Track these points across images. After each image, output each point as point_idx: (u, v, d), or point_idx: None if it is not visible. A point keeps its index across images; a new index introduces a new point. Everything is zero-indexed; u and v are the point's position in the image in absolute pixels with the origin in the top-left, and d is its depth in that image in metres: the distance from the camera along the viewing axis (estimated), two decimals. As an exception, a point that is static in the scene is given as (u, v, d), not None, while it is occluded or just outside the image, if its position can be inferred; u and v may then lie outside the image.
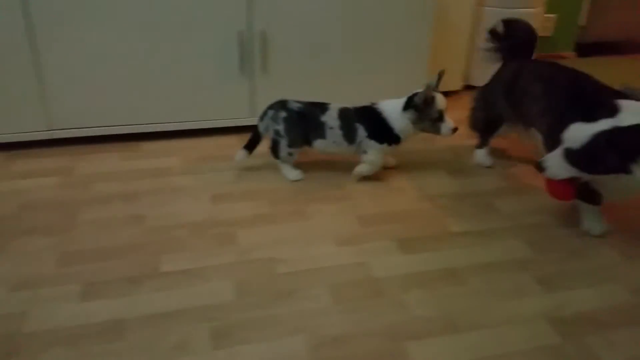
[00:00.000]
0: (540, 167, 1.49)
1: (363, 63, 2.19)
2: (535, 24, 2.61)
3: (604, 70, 3.03)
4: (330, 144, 1.85)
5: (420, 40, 2.20)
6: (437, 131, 1.78)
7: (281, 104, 1.85)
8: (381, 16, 2.12)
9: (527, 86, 1.75)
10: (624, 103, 1.42)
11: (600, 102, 1.46)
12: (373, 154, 1.84)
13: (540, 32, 3.03)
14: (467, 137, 2.20)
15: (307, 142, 1.86)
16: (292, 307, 1.34)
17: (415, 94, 1.77)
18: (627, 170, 1.35)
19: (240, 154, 1.90)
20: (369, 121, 1.82)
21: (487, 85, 1.98)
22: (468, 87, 2.72)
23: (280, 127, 1.83)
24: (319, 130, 1.83)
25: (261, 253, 1.53)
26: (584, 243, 1.60)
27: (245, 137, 1.91)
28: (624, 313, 1.34)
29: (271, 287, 1.41)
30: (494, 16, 2.51)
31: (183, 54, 2.03)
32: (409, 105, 1.78)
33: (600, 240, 1.61)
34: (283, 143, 1.85)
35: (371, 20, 2.12)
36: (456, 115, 2.41)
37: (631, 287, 1.43)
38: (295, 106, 1.84)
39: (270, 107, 1.87)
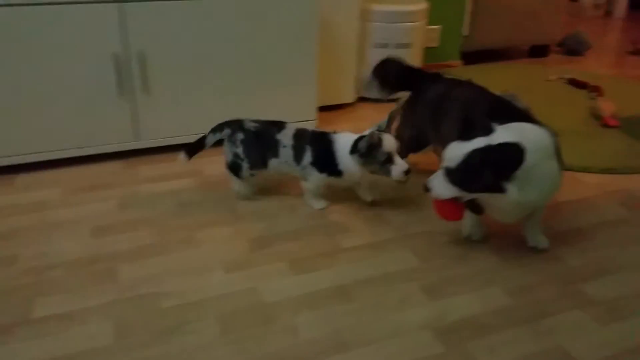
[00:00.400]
0: (425, 189, 1.51)
1: (250, 82, 2.17)
2: (420, 35, 2.71)
3: (487, 76, 3.22)
4: (282, 163, 1.81)
5: (307, 57, 2.20)
6: (387, 174, 1.71)
7: (238, 125, 1.80)
8: (265, 36, 2.11)
9: (448, 111, 1.76)
10: (500, 125, 1.45)
11: (477, 122, 1.48)
12: (311, 181, 1.81)
13: (427, 44, 3.16)
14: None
15: (265, 163, 1.82)
16: (177, 344, 1.28)
17: (360, 138, 1.70)
18: (501, 189, 1.41)
19: (182, 156, 1.85)
20: (318, 147, 1.77)
21: (414, 105, 1.94)
22: (362, 99, 2.77)
23: (239, 150, 1.79)
24: (274, 148, 1.79)
25: (145, 288, 1.46)
26: (465, 249, 1.65)
27: (132, 161, 1.81)
28: (503, 315, 1.40)
29: (155, 323, 1.34)
30: (380, 30, 2.58)
31: (55, 79, 1.91)
32: (354, 150, 1.72)
33: (481, 244, 1.68)
34: (245, 166, 1.81)
35: (256, 40, 2.10)
36: (351, 127, 2.46)
37: (509, 289, 1.49)
38: (251, 126, 1.80)
39: (228, 125, 1.82)
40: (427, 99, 1.86)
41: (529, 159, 1.37)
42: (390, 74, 2.01)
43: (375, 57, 2.63)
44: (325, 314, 1.38)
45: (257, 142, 1.79)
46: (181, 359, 1.23)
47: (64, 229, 1.69)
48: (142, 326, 1.33)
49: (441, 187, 1.47)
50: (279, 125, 1.81)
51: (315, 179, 1.80)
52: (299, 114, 2.29)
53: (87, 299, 1.41)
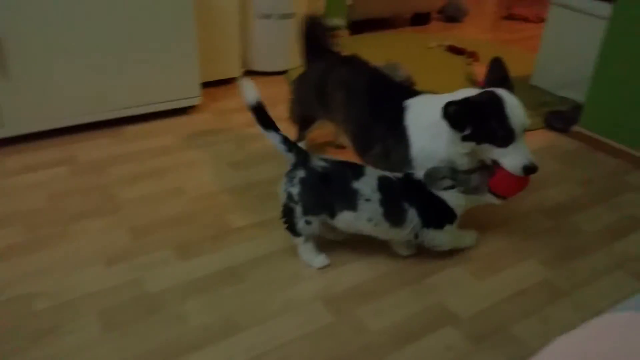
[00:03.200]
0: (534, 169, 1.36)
1: (122, 61, 2.03)
2: (304, 5, 2.69)
3: (373, 46, 3.28)
4: (362, 220, 1.41)
5: (184, 30, 2.10)
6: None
7: (302, 160, 1.42)
8: (136, 10, 1.97)
9: (332, 92, 1.76)
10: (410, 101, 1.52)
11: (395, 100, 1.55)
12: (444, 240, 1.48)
13: (312, 14, 3.14)
14: (247, 125, 2.20)
15: (331, 212, 1.42)
16: (56, 346, 1.20)
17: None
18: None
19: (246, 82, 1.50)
20: (424, 201, 1.43)
21: (301, 81, 1.92)
22: (249, 72, 2.70)
23: (295, 190, 1.42)
24: (350, 199, 1.40)
25: (15, 290, 1.34)
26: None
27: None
28: (390, 279, 1.45)
29: (29, 327, 1.24)
30: (262, 1, 2.52)
31: None
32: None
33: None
34: (298, 210, 1.42)
35: (125, 15, 1.96)
36: (235, 103, 2.40)
37: (392, 254, 1.54)
38: (318, 165, 1.42)
39: (295, 152, 1.43)
40: (312, 76, 1.85)
41: None
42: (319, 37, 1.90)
43: (259, 28, 2.60)
44: (214, 298, 1.36)
45: (321, 184, 1.41)
46: (60, 363, 1.16)
47: None
48: (14, 331, 1.23)
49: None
50: (356, 170, 1.42)
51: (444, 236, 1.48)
52: (180, 91, 2.20)
53: (-53, 309, 1.28)
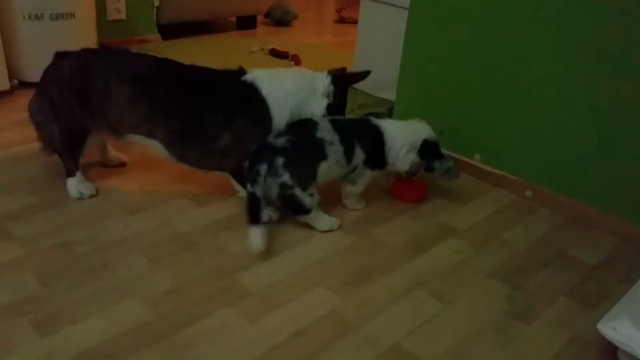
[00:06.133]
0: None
1: None
2: (88, 4, 2.30)
3: (189, 51, 2.95)
4: (333, 165, 1.50)
5: None
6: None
7: (265, 149, 1.43)
8: None
9: (108, 90, 1.44)
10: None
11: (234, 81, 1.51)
12: (362, 183, 1.61)
13: (114, 16, 2.78)
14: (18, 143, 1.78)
15: (315, 173, 1.48)
16: None
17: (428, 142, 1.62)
18: None
19: (256, 236, 1.35)
20: (369, 142, 1.56)
21: (46, 90, 1.52)
22: (24, 84, 2.25)
23: (286, 177, 1.41)
24: (321, 151, 1.48)
25: None
26: (103, 259, 1.33)
27: None
28: (131, 339, 1.11)
29: None
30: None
31: None
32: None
33: (130, 247, 1.39)
34: (298, 191, 1.44)
35: None
36: (13, 118, 1.96)
37: (150, 298, 1.22)
38: (281, 142, 1.43)
39: (257, 160, 1.42)
40: (65, 79, 1.49)
41: None
42: None
43: (29, 31, 2.16)
44: None
45: (302, 153, 1.46)
46: None
47: None
48: None
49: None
50: (311, 123, 1.51)
51: (365, 179, 1.61)
52: None
53: None
